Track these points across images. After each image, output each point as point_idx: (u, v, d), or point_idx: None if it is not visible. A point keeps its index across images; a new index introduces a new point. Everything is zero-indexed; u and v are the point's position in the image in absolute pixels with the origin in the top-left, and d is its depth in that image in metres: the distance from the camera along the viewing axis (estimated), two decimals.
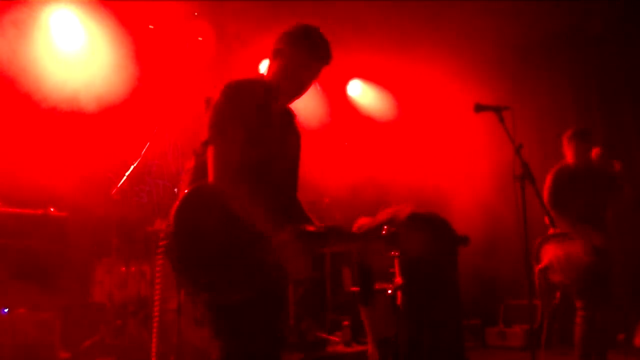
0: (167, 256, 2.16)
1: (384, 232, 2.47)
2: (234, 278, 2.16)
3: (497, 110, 3.62)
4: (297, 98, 2.54)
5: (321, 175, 6.54)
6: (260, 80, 2.50)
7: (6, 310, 4.32)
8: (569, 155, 4.70)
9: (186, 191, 2.22)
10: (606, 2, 6.38)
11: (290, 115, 2.63)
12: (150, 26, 6.05)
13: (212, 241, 2.17)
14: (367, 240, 2.55)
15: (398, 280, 4.99)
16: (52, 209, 4.81)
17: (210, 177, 2.22)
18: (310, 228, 2.45)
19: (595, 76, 6.77)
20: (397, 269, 4.99)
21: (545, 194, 4.54)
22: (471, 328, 6.71)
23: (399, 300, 4.94)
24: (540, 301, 5.28)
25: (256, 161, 2.32)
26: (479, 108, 3.65)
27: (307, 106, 7.18)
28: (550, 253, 4.46)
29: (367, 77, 7.78)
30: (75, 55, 5.65)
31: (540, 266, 4.49)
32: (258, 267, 2.20)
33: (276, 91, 2.48)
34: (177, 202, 2.18)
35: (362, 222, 4.81)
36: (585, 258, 4.36)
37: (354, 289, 6.04)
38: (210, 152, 2.24)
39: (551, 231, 4.37)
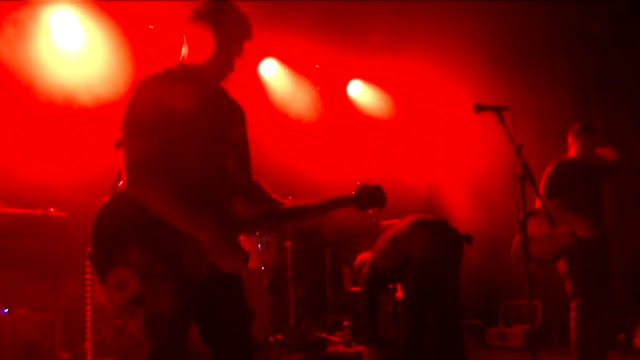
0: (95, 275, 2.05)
1: (353, 192, 2.29)
2: (164, 286, 2.03)
3: (497, 110, 3.62)
4: (226, 76, 2.37)
5: (321, 175, 6.53)
6: (167, 71, 2.33)
7: (6, 310, 4.31)
8: (572, 149, 4.70)
9: (100, 206, 2.12)
10: (606, 2, 6.38)
11: (221, 96, 2.43)
12: (150, 26, 6.04)
13: (135, 252, 2.04)
14: (327, 208, 2.37)
15: (399, 294, 5.00)
16: (52, 209, 4.81)
17: (122, 180, 2.12)
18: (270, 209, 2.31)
19: (595, 76, 6.76)
20: (398, 285, 5.00)
21: (543, 183, 4.53)
22: (471, 328, 6.71)
23: (399, 314, 4.95)
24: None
25: (171, 155, 2.16)
26: (479, 108, 3.66)
27: (307, 106, 7.19)
28: (535, 225, 4.44)
29: (367, 77, 7.77)
30: (75, 55, 5.64)
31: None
32: (188, 269, 2.07)
33: (196, 75, 2.31)
34: (93, 220, 2.08)
35: (364, 257, 4.81)
36: (567, 242, 4.36)
37: (354, 288, 6.05)
38: (120, 155, 2.14)
39: (539, 206, 4.35)
